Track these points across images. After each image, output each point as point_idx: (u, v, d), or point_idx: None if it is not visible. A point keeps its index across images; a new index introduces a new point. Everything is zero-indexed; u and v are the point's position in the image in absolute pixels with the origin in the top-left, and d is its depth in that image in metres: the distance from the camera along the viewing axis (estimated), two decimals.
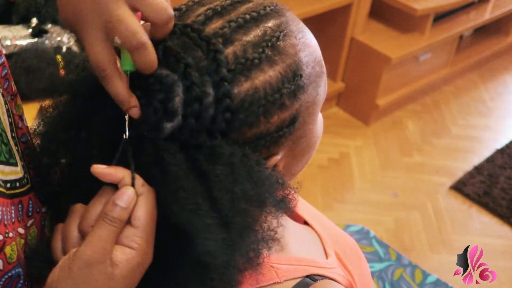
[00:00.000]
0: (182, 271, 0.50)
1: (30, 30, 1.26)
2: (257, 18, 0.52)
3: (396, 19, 2.44)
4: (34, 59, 1.12)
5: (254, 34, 0.51)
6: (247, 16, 0.52)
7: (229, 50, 0.50)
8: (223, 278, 0.49)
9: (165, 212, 0.48)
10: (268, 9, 0.53)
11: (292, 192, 0.54)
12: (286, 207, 0.53)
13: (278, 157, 0.54)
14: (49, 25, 1.30)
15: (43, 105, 0.57)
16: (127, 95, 0.48)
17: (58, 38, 1.31)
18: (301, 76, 0.53)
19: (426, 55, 2.51)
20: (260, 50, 0.50)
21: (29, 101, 0.59)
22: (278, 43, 0.52)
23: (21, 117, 0.60)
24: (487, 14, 2.71)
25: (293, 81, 0.52)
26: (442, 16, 2.54)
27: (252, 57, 0.50)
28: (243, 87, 0.50)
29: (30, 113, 0.60)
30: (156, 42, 0.50)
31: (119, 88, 0.48)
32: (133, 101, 0.49)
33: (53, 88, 0.56)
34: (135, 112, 0.49)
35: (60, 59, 1.21)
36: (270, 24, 0.52)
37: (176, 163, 0.47)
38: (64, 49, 1.27)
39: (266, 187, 0.49)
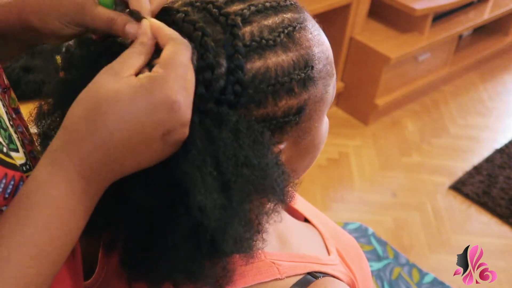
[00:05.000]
0: (175, 231, 0.49)
1: None
2: (277, 7, 0.54)
3: (395, 19, 2.44)
4: (34, 59, 1.12)
5: (272, 20, 0.53)
6: (268, 4, 0.54)
7: (247, 29, 0.51)
8: (215, 246, 0.49)
9: (170, 165, 0.48)
10: (288, 2, 0.56)
11: (291, 180, 0.54)
12: (284, 193, 0.53)
13: (281, 146, 0.55)
14: None
15: (42, 104, 0.57)
16: (113, 13, 0.50)
17: None
18: (312, 67, 0.54)
19: (425, 55, 2.52)
20: (276, 34, 0.52)
21: (29, 101, 0.59)
22: (294, 33, 0.53)
23: (15, 109, 0.60)
24: (486, 14, 2.71)
25: (304, 70, 0.53)
26: (441, 16, 2.54)
27: (268, 38, 0.51)
28: (255, 64, 0.51)
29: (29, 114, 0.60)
30: (175, 11, 0.51)
31: (101, 13, 0.50)
32: (122, 18, 0.50)
33: (52, 88, 0.56)
34: (130, 29, 0.50)
35: (59, 59, 1.21)
36: (289, 15, 0.54)
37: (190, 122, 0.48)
38: (63, 49, 1.27)
39: (269, 160, 0.50)
